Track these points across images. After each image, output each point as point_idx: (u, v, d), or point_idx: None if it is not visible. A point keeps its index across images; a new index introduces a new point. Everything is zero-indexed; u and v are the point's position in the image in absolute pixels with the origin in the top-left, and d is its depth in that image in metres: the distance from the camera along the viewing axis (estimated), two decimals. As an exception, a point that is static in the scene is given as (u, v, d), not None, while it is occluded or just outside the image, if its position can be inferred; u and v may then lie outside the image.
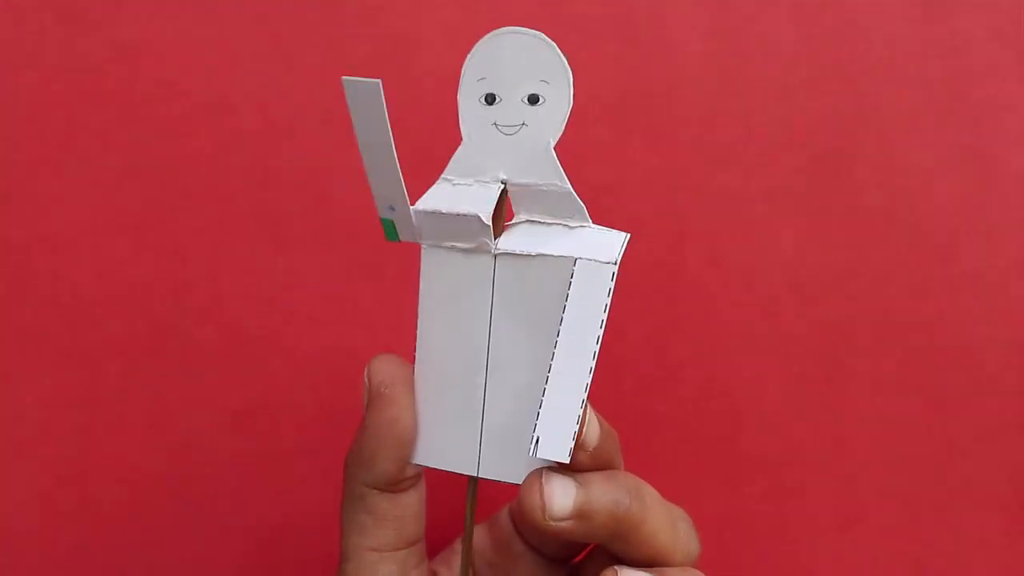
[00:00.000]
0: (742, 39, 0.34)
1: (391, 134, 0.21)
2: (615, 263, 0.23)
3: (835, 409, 0.35)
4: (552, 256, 0.23)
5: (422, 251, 0.25)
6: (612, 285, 0.23)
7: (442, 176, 0.24)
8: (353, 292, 0.34)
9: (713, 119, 0.34)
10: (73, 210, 0.34)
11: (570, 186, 0.23)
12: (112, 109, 0.34)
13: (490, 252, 0.24)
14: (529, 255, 0.24)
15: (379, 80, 0.20)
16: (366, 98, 0.21)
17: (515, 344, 0.24)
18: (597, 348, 0.22)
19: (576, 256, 0.23)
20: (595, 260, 0.23)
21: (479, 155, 0.24)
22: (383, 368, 0.24)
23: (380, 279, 0.34)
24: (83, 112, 0.34)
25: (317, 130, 0.34)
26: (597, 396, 0.23)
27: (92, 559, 0.34)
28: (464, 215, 0.23)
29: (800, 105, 0.34)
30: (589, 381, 0.22)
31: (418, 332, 0.25)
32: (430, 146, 0.34)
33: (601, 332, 0.22)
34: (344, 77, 0.21)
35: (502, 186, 0.24)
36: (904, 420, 0.35)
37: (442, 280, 0.24)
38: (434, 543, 0.27)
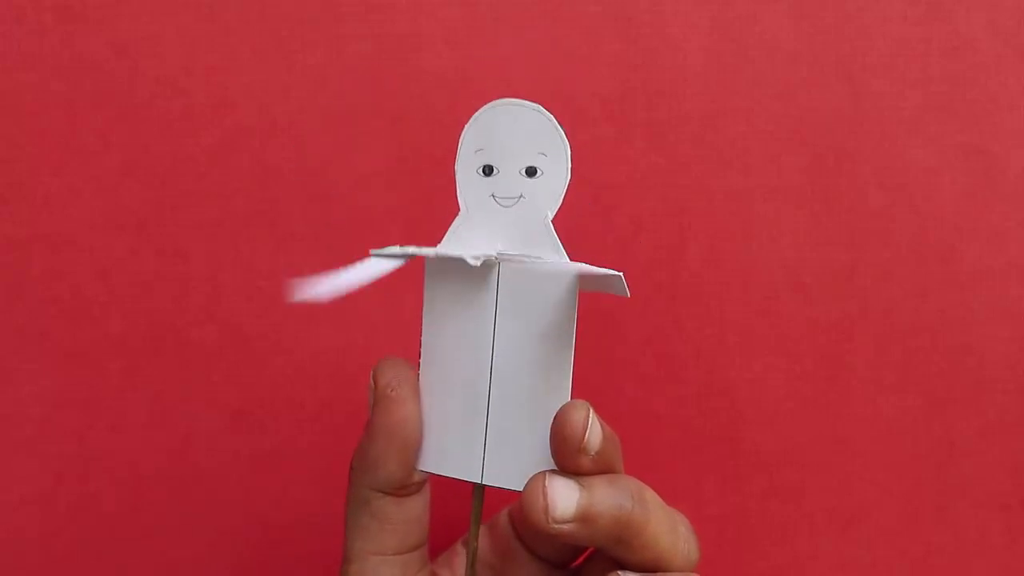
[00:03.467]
0: (743, 38, 0.34)
1: None
2: (619, 272, 0.23)
3: (835, 409, 0.35)
4: (555, 263, 0.23)
5: (426, 258, 0.25)
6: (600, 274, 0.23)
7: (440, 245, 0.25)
8: (354, 292, 0.34)
9: (714, 118, 0.34)
10: (73, 209, 0.34)
11: (567, 258, 0.24)
12: (112, 108, 0.34)
13: (493, 260, 0.24)
14: (533, 261, 0.24)
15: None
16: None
17: (519, 350, 0.24)
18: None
19: (579, 267, 0.23)
20: (599, 268, 0.23)
21: (477, 226, 0.24)
22: (389, 370, 0.25)
23: (381, 279, 0.34)
24: (83, 112, 0.34)
25: (317, 129, 0.34)
26: (597, 397, 0.23)
27: (92, 558, 0.34)
28: (453, 257, 0.23)
29: (801, 104, 0.34)
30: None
31: (423, 338, 0.25)
32: (430, 145, 0.34)
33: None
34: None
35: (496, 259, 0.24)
36: (904, 420, 0.35)
37: (446, 286, 0.24)
38: (434, 544, 0.27)
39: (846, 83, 0.34)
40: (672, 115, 0.34)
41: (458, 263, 0.24)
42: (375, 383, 0.25)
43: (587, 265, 0.23)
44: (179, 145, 0.34)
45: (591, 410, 0.22)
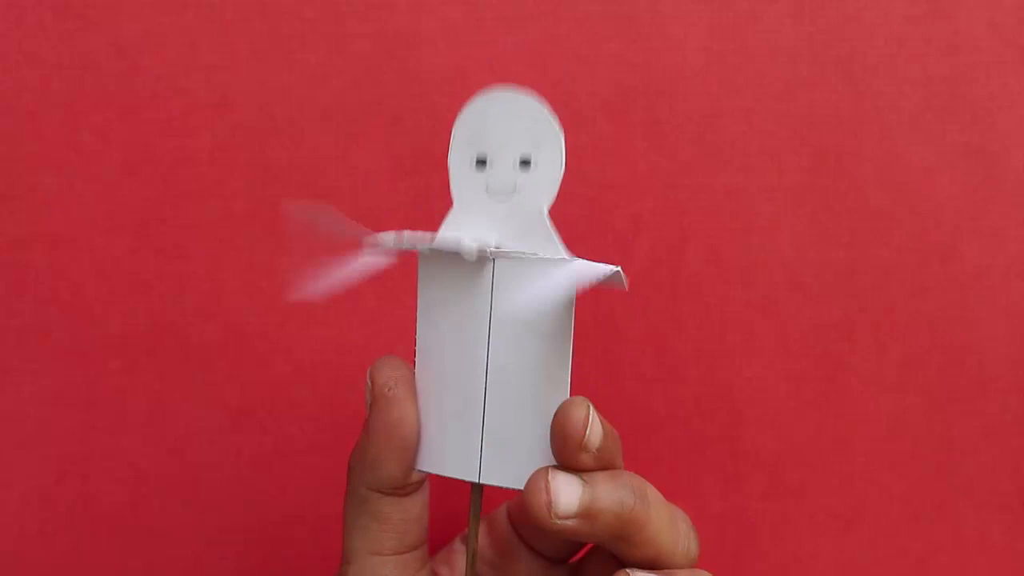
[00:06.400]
0: (743, 37, 0.34)
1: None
2: (617, 267, 0.23)
3: (835, 409, 0.35)
4: (551, 259, 0.23)
5: (419, 255, 0.24)
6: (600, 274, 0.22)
7: None
8: (353, 292, 0.34)
9: (714, 117, 0.34)
10: (73, 208, 0.34)
11: (564, 252, 0.23)
12: (112, 107, 0.34)
13: (488, 256, 0.24)
14: (528, 257, 0.23)
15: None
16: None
17: (515, 348, 0.24)
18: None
19: (575, 264, 0.23)
20: (594, 263, 0.23)
21: (471, 220, 0.24)
22: (386, 369, 0.24)
23: (380, 279, 0.34)
24: (83, 111, 0.34)
25: (317, 128, 0.34)
26: (597, 396, 0.23)
27: (92, 558, 0.34)
28: (449, 243, 0.23)
29: (801, 103, 0.34)
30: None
31: (417, 337, 0.25)
32: (430, 145, 0.34)
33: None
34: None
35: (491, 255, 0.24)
36: (904, 420, 0.35)
37: (440, 284, 0.24)
38: (432, 540, 0.27)
39: (846, 83, 0.34)
40: (672, 115, 0.34)
41: (452, 258, 0.23)
42: (372, 382, 0.24)
43: (584, 261, 0.23)
44: (179, 145, 0.34)
45: (591, 407, 0.22)
